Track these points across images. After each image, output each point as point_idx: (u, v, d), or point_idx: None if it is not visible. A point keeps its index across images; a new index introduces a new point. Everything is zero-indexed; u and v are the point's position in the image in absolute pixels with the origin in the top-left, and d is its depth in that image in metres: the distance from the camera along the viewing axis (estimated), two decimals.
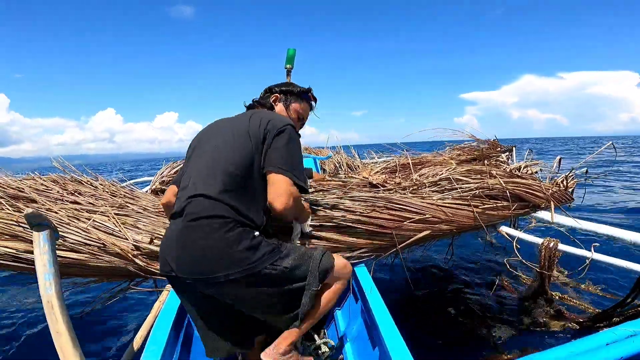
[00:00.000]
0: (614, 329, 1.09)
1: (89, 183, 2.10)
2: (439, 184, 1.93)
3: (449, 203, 1.81)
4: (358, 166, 2.99)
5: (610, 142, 1.97)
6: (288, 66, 3.06)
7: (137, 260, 1.59)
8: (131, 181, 3.40)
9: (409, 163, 2.24)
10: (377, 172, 2.24)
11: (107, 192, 2.17)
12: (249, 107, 1.55)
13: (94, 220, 1.63)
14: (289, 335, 1.24)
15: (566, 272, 1.89)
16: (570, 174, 1.79)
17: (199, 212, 1.13)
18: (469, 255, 2.91)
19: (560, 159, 1.98)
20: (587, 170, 1.90)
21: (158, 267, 1.58)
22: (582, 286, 2.04)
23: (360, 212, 1.69)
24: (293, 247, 1.27)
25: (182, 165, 1.73)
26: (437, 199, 1.83)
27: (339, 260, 1.33)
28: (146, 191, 2.71)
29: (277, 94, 1.55)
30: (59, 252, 1.54)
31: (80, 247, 1.55)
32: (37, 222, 0.97)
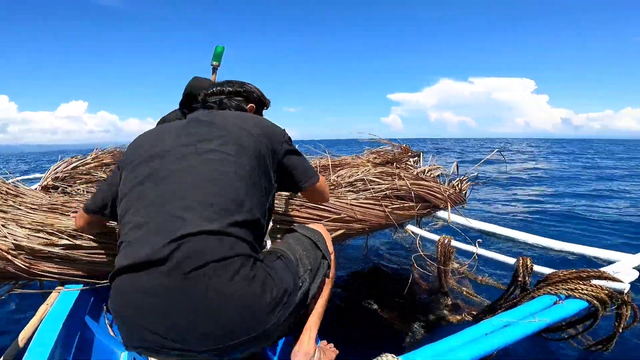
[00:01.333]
0: (491, 320, 1.16)
1: None
2: (355, 185, 2.01)
3: (362, 203, 1.89)
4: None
5: (497, 150, 2.28)
6: (215, 63, 2.94)
7: (16, 262, 1.38)
8: (20, 177, 2.95)
9: (328, 164, 2.30)
10: None
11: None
12: (203, 107, 1.23)
13: None
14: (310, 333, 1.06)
15: (465, 267, 2.10)
16: (464, 178, 2.01)
17: (204, 256, 0.81)
18: (382, 252, 3.10)
19: (457, 164, 2.22)
20: (477, 175, 2.16)
21: (43, 267, 1.40)
22: (480, 279, 2.27)
23: (280, 212, 1.68)
24: (288, 246, 1.08)
25: (104, 179, 1.49)
26: (351, 199, 1.90)
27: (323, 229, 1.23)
28: (35, 188, 2.37)
29: (253, 105, 1.28)
30: None
31: None
32: None
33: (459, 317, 1.92)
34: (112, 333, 1.49)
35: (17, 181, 2.48)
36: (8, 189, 1.89)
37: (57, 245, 1.43)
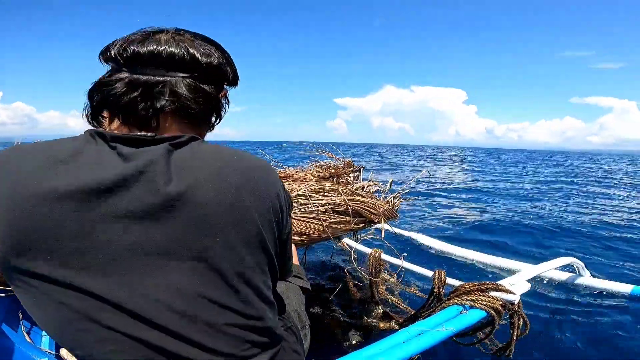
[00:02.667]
0: (408, 329, 1.28)
1: None
2: (296, 199, 2.09)
3: (302, 217, 1.98)
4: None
5: (426, 170, 2.48)
6: None
7: None
8: None
9: None
10: None
11: None
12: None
13: None
14: None
15: (394, 278, 2.27)
16: (397, 195, 2.19)
17: None
18: (319, 264, 3.20)
19: (391, 181, 2.40)
20: (408, 191, 2.34)
21: None
22: (408, 289, 2.44)
23: None
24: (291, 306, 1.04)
25: None
26: (292, 213, 1.98)
27: None
28: None
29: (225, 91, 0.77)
30: None
31: None
32: None
33: (388, 325, 2.07)
34: (29, 340, 1.43)
35: None
36: None
37: None
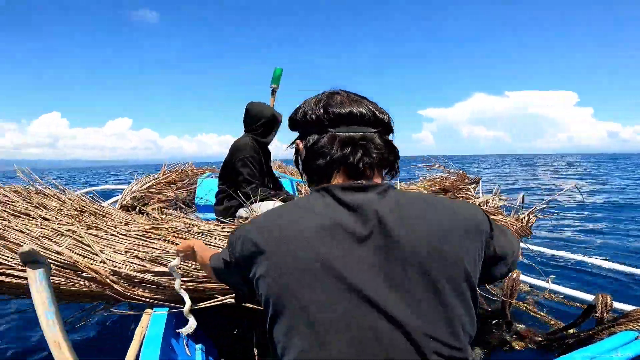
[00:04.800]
0: (573, 354, 1.19)
1: (55, 196, 1.96)
2: None
3: None
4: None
5: (574, 184, 2.22)
6: (273, 85, 3.09)
7: (116, 286, 1.51)
8: (91, 188, 3.18)
9: None
10: None
11: (76, 207, 2.03)
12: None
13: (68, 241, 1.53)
14: None
15: (531, 301, 2.08)
16: (532, 211, 2.02)
17: None
18: None
19: (523, 197, 2.22)
20: (545, 207, 2.15)
21: (138, 292, 1.53)
22: (540, 314, 2.21)
23: None
24: None
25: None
26: None
27: None
28: (111, 204, 2.57)
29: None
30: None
31: (54, 271, 1.45)
32: (33, 259, 0.92)
33: (522, 344, 1.92)
34: (188, 353, 1.56)
35: (84, 195, 2.68)
36: (96, 209, 2.08)
37: (150, 272, 1.55)
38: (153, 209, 2.53)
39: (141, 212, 2.46)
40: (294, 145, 0.83)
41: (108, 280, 1.49)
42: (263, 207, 2.15)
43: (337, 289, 0.63)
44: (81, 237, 1.56)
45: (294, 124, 0.82)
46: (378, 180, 0.76)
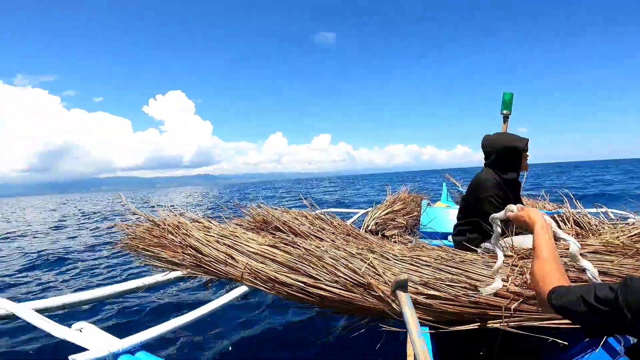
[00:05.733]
0: None
1: (329, 221, 2.38)
2: None
3: None
4: (589, 223, 2.52)
5: None
6: (505, 112, 2.87)
7: (393, 305, 1.65)
8: (331, 209, 3.66)
9: None
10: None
11: (339, 229, 2.40)
12: None
13: (360, 261, 1.79)
14: None
15: None
16: None
17: None
18: None
19: None
20: None
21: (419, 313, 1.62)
22: None
23: None
24: None
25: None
26: None
27: None
28: (351, 223, 2.90)
29: None
30: (332, 288, 1.74)
31: (353, 287, 1.71)
32: (402, 285, 1.09)
33: None
34: None
35: (323, 213, 3.02)
36: (358, 233, 2.39)
37: (422, 294, 1.63)
38: (393, 235, 2.71)
39: (384, 237, 2.69)
40: None
41: (389, 299, 1.66)
42: (525, 240, 1.96)
43: None
44: (367, 259, 1.80)
45: None
46: None
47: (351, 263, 1.76)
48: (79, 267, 5.03)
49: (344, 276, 1.67)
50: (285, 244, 2.05)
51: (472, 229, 2.35)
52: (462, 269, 1.70)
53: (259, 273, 1.88)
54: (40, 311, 1.64)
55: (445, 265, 1.78)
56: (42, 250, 6.46)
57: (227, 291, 1.89)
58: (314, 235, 2.23)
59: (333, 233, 2.29)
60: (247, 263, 1.95)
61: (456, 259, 1.85)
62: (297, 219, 2.39)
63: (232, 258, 2.02)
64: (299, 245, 1.98)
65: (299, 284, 1.75)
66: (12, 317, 1.67)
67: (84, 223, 11.93)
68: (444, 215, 3.48)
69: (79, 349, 1.26)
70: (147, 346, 1.39)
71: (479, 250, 2.27)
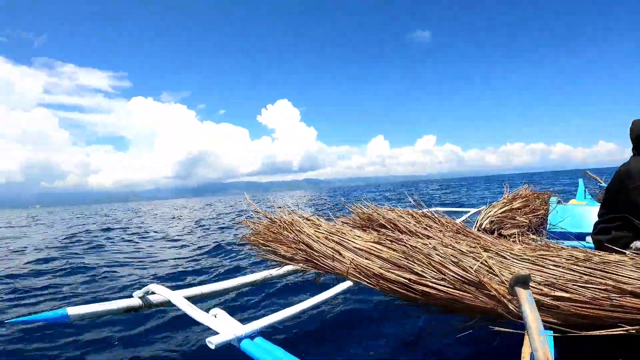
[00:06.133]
0: None
1: (437, 219, 2.29)
2: None
3: None
4: None
5: None
6: None
7: (510, 305, 1.49)
8: (440, 208, 3.48)
9: None
10: None
11: (448, 228, 2.28)
12: None
13: (472, 259, 1.68)
14: None
15: None
16: None
17: None
18: None
19: None
20: None
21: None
22: None
23: None
24: None
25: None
26: None
27: None
28: (461, 222, 2.70)
29: None
30: (438, 286, 1.66)
31: (463, 286, 1.61)
32: (523, 281, 1.02)
33: None
34: None
35: (430, 211, 2.84)
36: (468, 231, 2.23)
37: (546, 296, 1.45)
38: (512, 234, 2.44)
39: (500, 236, 2.44)
40: None
41: (504, 299, 1.51)
42: None
43: None
44: (480, 257, 1.67)
45: None
46: None
47: (461, 261, 1.66)
48: (226, 258, 5.75)
49: (453, 274, 1.58)
50: (391, 241, 2.05)
51: (619, 225, 1.97)
52: (603, 271, 1.43)
53: (364, 269, 1.92)
54: (188, 298, 1.93)
55: (580, 266, 1.53)
56: (217, 240, 7.54)
57: (333, 285, 1.99)
58: (420, 233, 2.17)
59: (440, 231, 2.19)
60: (352, 259, 2.02)
61: (595, 259, 1.57)
62: (403, 217, 2.36)
63: (339, 254, 2.11)
64: (405, 243, 1.95)
65: (404, 280, 1.73)
66: (167, 304, 2.03)
67: (227, 219, 13.76)
68: (580, 213, 2.95)
69: (210, 332, 1.45)
70: (264, 333, 1.56)
71: (627, 251, 1.88)
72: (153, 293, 1.99)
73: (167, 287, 1.99)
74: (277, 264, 2.50)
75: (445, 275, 1.62)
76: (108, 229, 12.01)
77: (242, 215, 15.37)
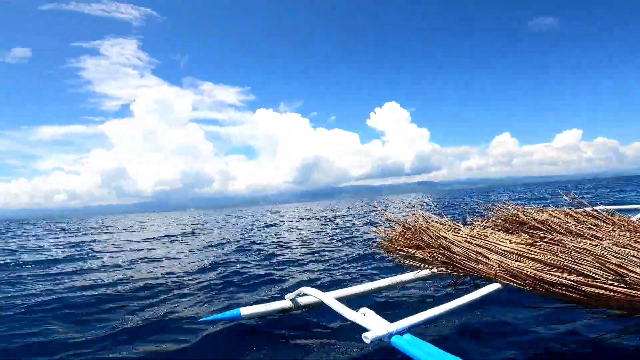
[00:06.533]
0: None
1: (606, 218, 1.96)
2: None
3: None
4: None
5: None
6: None
7: None
8: (610, 207, 2.95)
9: None
10: None
11: (623, 227, 1.92)
12: None
13: None
14: None
15: None
16: None
17: None
18: None
19: None
20: None
21: None
22: None
23: None
24: None
25: None
26: None
27: None
28: (638, 219, 2.23)
29: None
30: (617, 288, 1.43)
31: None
32: None
33: None
34: None
35: (595, 210, 2.38)
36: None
37: None
38: None
39: None
40: None
41: None
42: None
43: None
44: None
45: None
46: None
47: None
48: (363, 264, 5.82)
49: (636, 276, 1.34)
50: (546, 242, 1.86)
51: None
52: None
53: (516, 271, 1.79)
54: (338, 299, 2.05)
55: None
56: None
57: (477, 288, 1.89)
58: (583, 233, 1.90)
59: (613, 230, 1.87)
60: (501, 261, 1.90)
61: None
62: (557, 217, 2.10)
63: (484, 256, 2.02)
64: (566, 244, 1.74)
65: (569, 282, 1.55)
66: (316, 305, 2.22)
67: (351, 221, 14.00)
68: None
69: (361, 329, 1.52)
70: (411, 330, 1.60)
71: None
72: (305, 295, 2.23)
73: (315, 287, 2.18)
74: (413, 268, 2.52)
75: (627, 277, 1.39)
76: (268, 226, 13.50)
77: (365, 216, 15.46)
